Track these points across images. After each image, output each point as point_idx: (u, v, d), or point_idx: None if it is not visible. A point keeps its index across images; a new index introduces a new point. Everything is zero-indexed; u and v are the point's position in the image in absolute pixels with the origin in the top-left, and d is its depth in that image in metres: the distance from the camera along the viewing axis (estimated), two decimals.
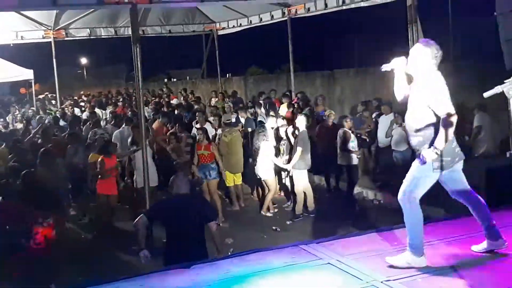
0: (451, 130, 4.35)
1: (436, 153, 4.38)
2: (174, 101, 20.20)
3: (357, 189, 11.25)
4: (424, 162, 4.47)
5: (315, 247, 5.14)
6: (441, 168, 4.50)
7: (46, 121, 14.96)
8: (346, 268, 4.60)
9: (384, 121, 11.55)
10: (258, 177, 10.72)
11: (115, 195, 10.07)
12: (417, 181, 4.59)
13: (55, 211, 7.51)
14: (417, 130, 4.57)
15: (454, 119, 4.33)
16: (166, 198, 7.50)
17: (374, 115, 12.37)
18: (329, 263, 4.75)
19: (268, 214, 10.48)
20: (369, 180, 11.62)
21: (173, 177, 6.21)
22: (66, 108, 18.38)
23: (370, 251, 4.99)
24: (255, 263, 4.80)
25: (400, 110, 11.80)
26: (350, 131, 10.88)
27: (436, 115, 4.44)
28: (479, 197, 4.74)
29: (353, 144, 10.83)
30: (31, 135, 11.96)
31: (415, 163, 4.61)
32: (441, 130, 4.37)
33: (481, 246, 4.74)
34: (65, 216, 9.08)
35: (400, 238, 5.18)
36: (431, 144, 4.43)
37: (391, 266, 4.55)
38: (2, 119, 16.39)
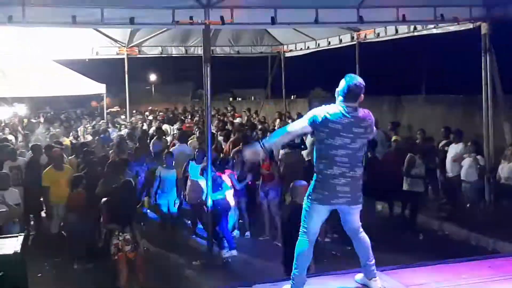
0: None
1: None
2: (237, 120, 20.43)
3: (421, 218, 10.98)
4: None
5: (379, 275, 5.03)
6: (320, 201, 4.59)
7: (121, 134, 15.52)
8: None
9: (453, 150, 11.26)
10: None
11: None
12: (305, 214, 4.70)
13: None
14: None
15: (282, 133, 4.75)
16: None
17: (442, 144, 12.08)
18: None
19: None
20: (435, 210, 11.31)
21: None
22: (135, 123, 18.96)
23: (434, 282, 4.85)
24: (317, 286, 4.76)
25: (468, 139, 11.59)
26: (416, 157, 10.66)
27: None
28: (365, 237, 4.80)
29: (417, 170, 10.60)
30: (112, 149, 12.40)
31: None
32: None
33: (358, 277, 4.93)
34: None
35: (467, 271, 5.02)
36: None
37: None
38: (73, 131, 17.09)
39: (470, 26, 11.27)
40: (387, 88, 23.52)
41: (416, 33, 12.99)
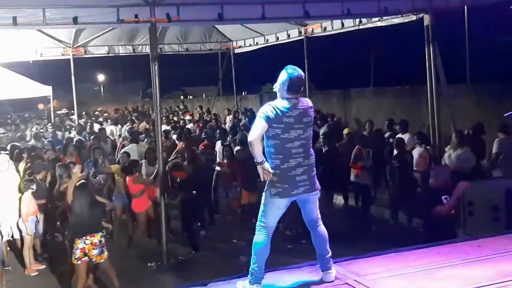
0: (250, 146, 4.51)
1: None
2: (187, 118, 20.30)
3: (373, 208, 11.18)
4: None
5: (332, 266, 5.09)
6: (280, 195, 4.60)
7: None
8: None
9: None
10: None
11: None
12: (263, 209, 4.72)
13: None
14: None
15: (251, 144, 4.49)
16: None
17: (386, 136, 12.30)
18: (346, 283, 4.71)
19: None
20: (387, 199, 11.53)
21: None
22: (85, 124, 18.58)
23: (387, 271, 4.93)
24: (271, 281, 4.77)
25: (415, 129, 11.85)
26: (363, 149, 10.85)
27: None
28: (324, 229, 4.85)
29: (363, 162, 10.79)
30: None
31: None
32: None
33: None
34: None
35: (419, 259, 5.13)
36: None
37: None
38: (21, 134, 16.58)
39: (414, 18, 11.55)
40: (336, 82, 23.87)
41: (361, 27, 13.25)
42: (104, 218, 9.47)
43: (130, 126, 17.20)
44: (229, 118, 19.04)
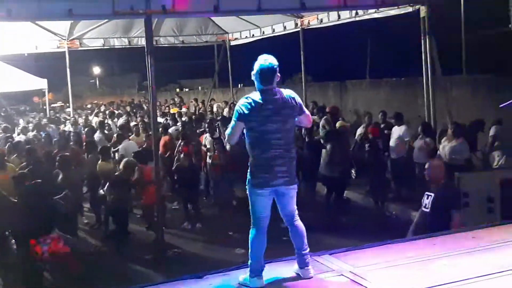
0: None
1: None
2: (183, 110, 20.32)
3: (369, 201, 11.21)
4: None
5: (328, 258, 5.10)
6: (261, 185, 4.57)
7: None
8: (358, 279, 4.56)
9: (396, 133, 11.48)
10: None
11: None
12: (250, 202, 4.70)
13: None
14: None
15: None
16: None
17: (382, 127, 12.29)
18: (342, 274, 4.72)
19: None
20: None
21: None
22: (81, 117, 18.54)
23: (383, 262, 4.95)
24: (267, 273, 4.77)
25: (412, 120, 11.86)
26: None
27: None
28: (301, 225, 4.79)
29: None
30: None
31: None
32: None
33: (294, 268, 4.82)
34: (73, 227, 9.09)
35: (414, 250, 5.15)
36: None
37: None
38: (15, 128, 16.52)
39: (410, 9, 11.53)
40: (332, 74, 23.83)
41: (358, 18, 13.22)
42: None
43: (126, 120, 17.15)
44: (226, 110, 19.06)
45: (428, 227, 5.94)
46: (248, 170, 4.65)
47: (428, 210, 6.09)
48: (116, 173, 9.62)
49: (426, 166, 6.41)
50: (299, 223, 4.80)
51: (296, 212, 4.80)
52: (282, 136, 4.58)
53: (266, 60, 4.57)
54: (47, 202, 7.58)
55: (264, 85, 4.57)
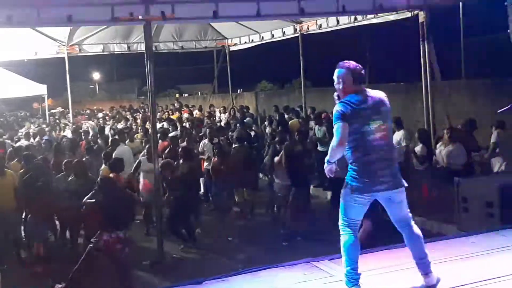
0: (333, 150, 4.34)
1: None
2: (185, 115, 20.31)
3: None
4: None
5: (328, 264, 5.11)
6: (360, 191, 4.36)
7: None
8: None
9: (395, 138, 11.46)
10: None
11: None
12: (343, 206, 4.49)
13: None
14: None
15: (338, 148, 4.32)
16: None
17: None
18: (341, 280, 4.71)
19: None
20: None
21: None
22: (81, 124, 18.56)
23: (383, 267, 4.95)
24: (267, 279, 4.78)
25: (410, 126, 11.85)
26: None
27: None
28: (417, 230, 4.53)
29: None
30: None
31: None
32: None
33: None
34: None
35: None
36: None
37: None
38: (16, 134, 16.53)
39: (409, 14, 11.55)
40: (331, 79, 23.81)
41: (356, 23, 13.23)
42: None
43: (124, 125, 17.15)
44: (224, 116, 19.07)
45: None
46: (348, 174, 4.43)
47: None
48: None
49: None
50: (414, 227, 4.50)
51: (411, 216, 4.54)
52: (383, 136, 4.42)
53: (352, 63, 4.52)
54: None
55: (357, 85, 4.47)
